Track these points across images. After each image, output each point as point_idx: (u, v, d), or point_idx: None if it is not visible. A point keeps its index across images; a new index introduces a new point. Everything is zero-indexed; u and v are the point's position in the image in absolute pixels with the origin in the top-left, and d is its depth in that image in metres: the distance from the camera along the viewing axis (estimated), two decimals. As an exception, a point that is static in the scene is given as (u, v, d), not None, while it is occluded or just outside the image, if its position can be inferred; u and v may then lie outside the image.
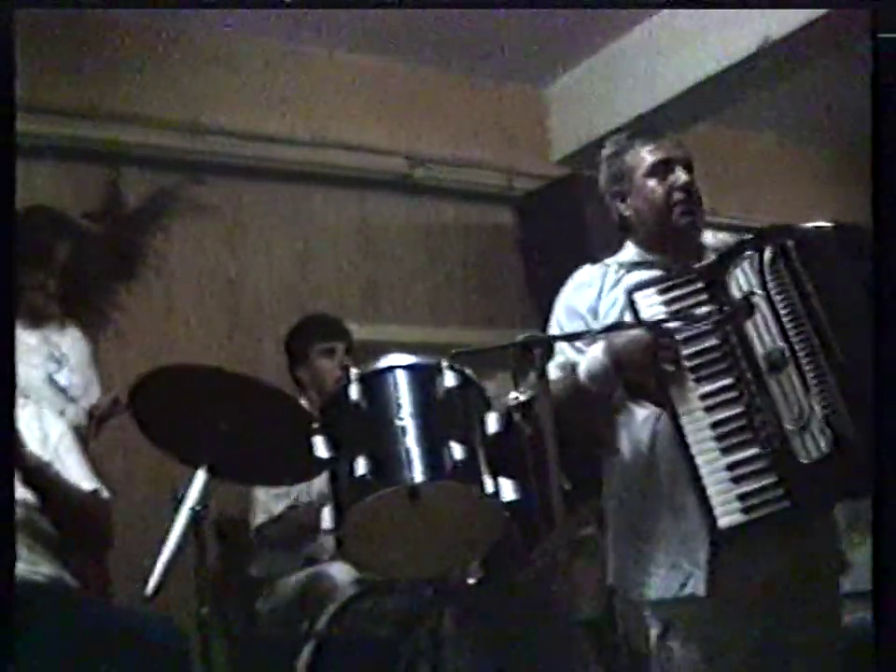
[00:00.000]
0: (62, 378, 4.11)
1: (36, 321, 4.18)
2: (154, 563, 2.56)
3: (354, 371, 2.80)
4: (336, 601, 3.85)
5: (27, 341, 4.04)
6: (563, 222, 6.18)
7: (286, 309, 5.65)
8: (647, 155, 3.30)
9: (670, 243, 3.26)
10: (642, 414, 3.13)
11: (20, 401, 3.44)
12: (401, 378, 2.80)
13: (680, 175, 3.25)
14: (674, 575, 3.01)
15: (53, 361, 4.15)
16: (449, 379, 2.76)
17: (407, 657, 3.53)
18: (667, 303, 3.01)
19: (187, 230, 5.70)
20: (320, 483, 4.16)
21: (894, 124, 2.59)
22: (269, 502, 4.29)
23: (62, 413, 3.45)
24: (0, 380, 2.17)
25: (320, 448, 2.74)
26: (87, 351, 4.36)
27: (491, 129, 6.59)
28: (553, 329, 3.30)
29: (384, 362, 2.83)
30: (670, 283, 3.05)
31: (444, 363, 2.80)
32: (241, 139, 5.86)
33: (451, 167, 6.47)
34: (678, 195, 3.24)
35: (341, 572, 3.97)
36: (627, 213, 3.34)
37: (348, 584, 3.91)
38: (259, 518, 4.32)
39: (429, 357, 2.86)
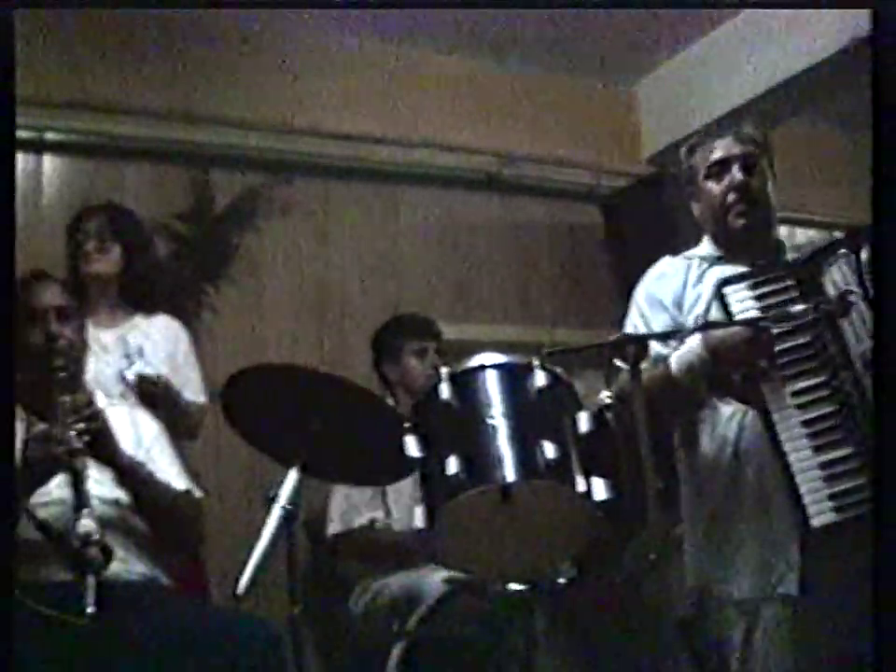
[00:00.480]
0: (132, 374, 4.14)
1: (112, 320, 4.20)
2: (246, 562, 2.57)
3: (445, 371, 2.78)
4: (427, 601, 3.84)
5: (103, 339, 4.07)
6: (651, 220, 6.13)
7: (374, 309, 5.66)
8: (707, 155, 3.29)
9: (735, 242, 3.24)
10: (728, 412, 3.10)
11: (106, 401, 3.47)
12: (493, 377, 2.78)
13: (735, 176, 3.23)
14: (764, 574, 2.98)
15: (124, 358, 4.18)
16: (540, 378, 2.74)
17: (498, 658, 3.51)
18: (759, 299, 2.99)
19: (276, 230, 5.75)
20: (399, 506, 4.20)
21: (894, 125, 2.55)
22: (349, 512, 4.29)
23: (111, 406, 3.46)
24: (0, 379, 2.17)
25: (412, 447, 2.74)
26: (183, 344, 4.39)
27: (580, 127, 6.56)
28: (635, 318, 3.30)
29: (475, 361, 2.82)
30: (762, 278, 3.01)
31: (535, 362, 2.78)
32: (330, 139, 5.90)
33: (539, 165, 6.45)
34: (731, 197, 3.23)
35: (432, 572, 3.96)
36: (697, 213, 3.34)
37: (439, 584, 3.89)
38: (335, 526, 4.32)
39: (519, 356, 2.84)
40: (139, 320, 4.32)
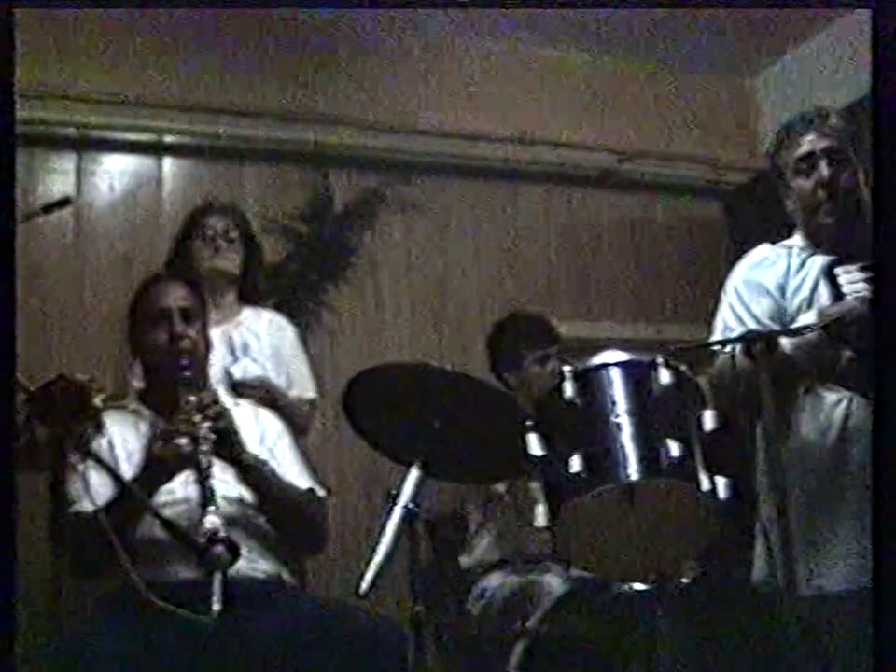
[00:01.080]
0: (237, 371, 4.16)
1: (219, 317, 4.22)
2: (368, 561, 2.56)
3: (568, 369, 2.76)
4: (548, 600, 3.82)
5: (213, 337, 4.11)
6: (771, 216, 6.04)
7: (493, 307, 5.65)
8: (793, 151, 3.24)
9: (827, 236, 3.22)
10: (832, 398, 3.05)
11: (231, 400, 3.50)
12: (616, 375, 2.74)
13: (822, 171, 3.18)
14: (863, 565, 2.90)
15: (230, 354, 4.20)
16: (664, 376, 2.70)
17: (620, 657, 3.49)
18: (870, 281, 2.93)
19: (395, 229, 5.76)
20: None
21: (895, 125, 2.50)
22: (484, 553, 4.28)
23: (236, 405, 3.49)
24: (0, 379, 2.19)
25: (534, 445, 2.72)
26: (289, 339, 4.40)
27: (698, 122, 6.49)
28: (734, 304, 3.27)
29: (598, 359, 2.79)
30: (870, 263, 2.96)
31: (660, 359, 2.74)
32: (447, 138, 5.89)
33: (658, 161, 6.39)
34: (820, 193, 3.18)
35: (553, 571, 3.94)
36: (788, 209, 3.30)
37: (561, 583, 3.87)
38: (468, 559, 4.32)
39: (643, 354, 2.81)
40: (245, 317, 4.34)
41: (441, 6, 5.52)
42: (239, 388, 4.03)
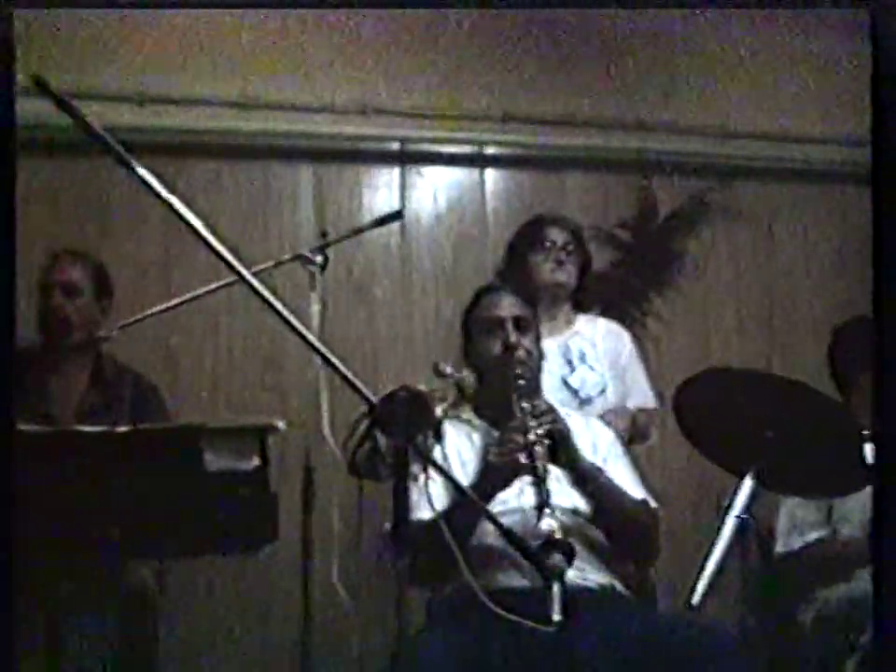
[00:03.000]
0: (574, 380, 4.17)
1: (554, 328, 4.23)
2: (699, 571, 2.53)
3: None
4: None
5: (545, 347, 4.12)
6: None
7: (826, 312, 5.50)
8: None
9: None
10: None
11: (564, 409, 3.52)
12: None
13: None
14: None
15: (567, 364, 4.21)
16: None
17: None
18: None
19: (720, 235, 5.68)
20: (846, 524, 4.03)
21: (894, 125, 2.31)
22: (790, 534, 4.16)
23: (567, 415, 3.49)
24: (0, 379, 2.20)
25: (872, 457, 2.63)
26: (626, 347, 4.39)
27: None
28: None
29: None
30: None
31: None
32: (768, 141, 5.77)
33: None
34: None
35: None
36: None
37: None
38: (779, 545, 4.20)
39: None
40: (581, 326, 4.35)
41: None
42: (579, 394, 4.06)
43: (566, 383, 4.16)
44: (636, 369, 4.39)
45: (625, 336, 4.46)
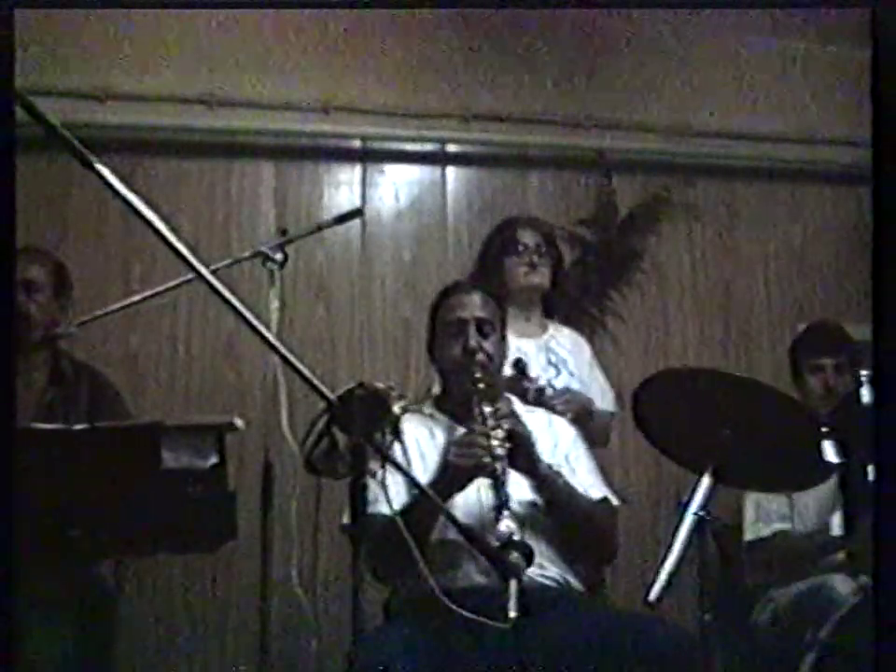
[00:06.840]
0: (559, 383, 4.17)
1: (532, 330, 4.24)
2: (656, 569, 2.54)
3: (865, 373, 2.68)
4: (840, 610, 3.71)
5: (525, 349, 4.11)
6: None
7: (782, 312, 5.54)
8: None
9: None
10: None
11: (524, 408, 3.53)
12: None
13: None
14: None
15: (552, 367, 4.21)
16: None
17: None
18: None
19: (680, 233, 5.70)
20: (804, 517, 4.07)
21: (894, 125, 2.35)
22: (756, 523, 4.19)
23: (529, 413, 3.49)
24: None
25: (830, 453, 2.65)
26: (586, 354, 4.40)
27: None
28: None
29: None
30: None
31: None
32: (730, 139, 5.79)
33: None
34: None
35: (842, 582, 3.83)
36: None
37: (850, 594, 3.76)
38: (748, 534, 4.23)
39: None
40: (553, 331, 4.35)
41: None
42: (555, 401, 4.04)
43: (552, 386, 4.15)
44: (596, 374, 4.40)
45: (585, 344, 4.47)
